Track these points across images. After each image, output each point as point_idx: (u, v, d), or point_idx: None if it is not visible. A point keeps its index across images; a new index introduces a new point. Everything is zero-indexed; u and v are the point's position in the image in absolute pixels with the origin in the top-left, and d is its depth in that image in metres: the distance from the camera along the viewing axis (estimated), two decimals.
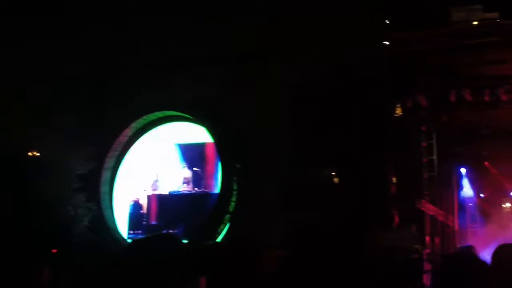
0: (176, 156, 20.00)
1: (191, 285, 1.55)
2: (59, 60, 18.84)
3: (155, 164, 20.13)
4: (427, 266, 14.97)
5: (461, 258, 2.75)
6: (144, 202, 20.10)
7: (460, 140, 17.07)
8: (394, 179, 15.86)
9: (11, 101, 18.31)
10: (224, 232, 18.04)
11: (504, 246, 3.00)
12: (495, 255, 2.90)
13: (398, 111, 15.15)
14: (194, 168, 19.61)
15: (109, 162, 20.13)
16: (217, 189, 18.96)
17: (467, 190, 17.76)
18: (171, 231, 18.11)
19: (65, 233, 17.28)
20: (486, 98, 14.60)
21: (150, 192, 20.04)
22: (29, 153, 18.90)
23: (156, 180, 20.05)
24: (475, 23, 14.40)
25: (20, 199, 16.30)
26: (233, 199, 18.32)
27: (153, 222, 19.84)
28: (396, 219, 15.73)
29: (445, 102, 14.67)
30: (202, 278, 1.58)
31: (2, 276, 3.14)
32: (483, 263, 2.53)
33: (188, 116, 19.42)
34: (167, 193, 19.89)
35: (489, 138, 16.67)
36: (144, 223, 19.90)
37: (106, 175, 20.03)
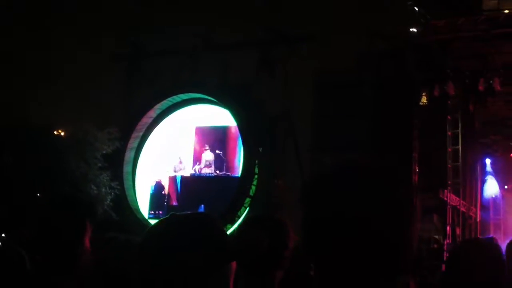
0: (198, 139, 20.05)
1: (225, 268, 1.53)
2: (85, 42, 19.02)
3: (177, 146, 20.22)
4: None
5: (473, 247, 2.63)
6: (166, 183, 20.24)
7: (486, 130, 16.84)
8: (417, 168, 15.73)
9: (38, 81, 18.54)
10: (244, 215, 18.06)
11: None
12: (508, 248, 2.81)
13: (425, 99, 14.98)
14: (216, 151, 19.65)
15: (133, 143, 20.26)
16: (238, 172, 18.99)
17: (492, 181, 17.53)
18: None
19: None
20: None
21: (172, 174, 20.16)
22: (55, 132, 19.05)
23: (179, 162, 20.15)
24: (506, 11, 14.14)
25: (44, 177, 16.48)
26: (254, 182, 18.33)
27: (174, 203, 19.98)
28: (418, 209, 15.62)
29: (473, 91, 14.46)
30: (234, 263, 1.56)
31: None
32: (497, 254, 2.41)
33: (212, 99, 19.37)
34: (188, 175, 20.01)
35: None
36: (165, 203, 20.06)
37: (129, 155, 20.17)
